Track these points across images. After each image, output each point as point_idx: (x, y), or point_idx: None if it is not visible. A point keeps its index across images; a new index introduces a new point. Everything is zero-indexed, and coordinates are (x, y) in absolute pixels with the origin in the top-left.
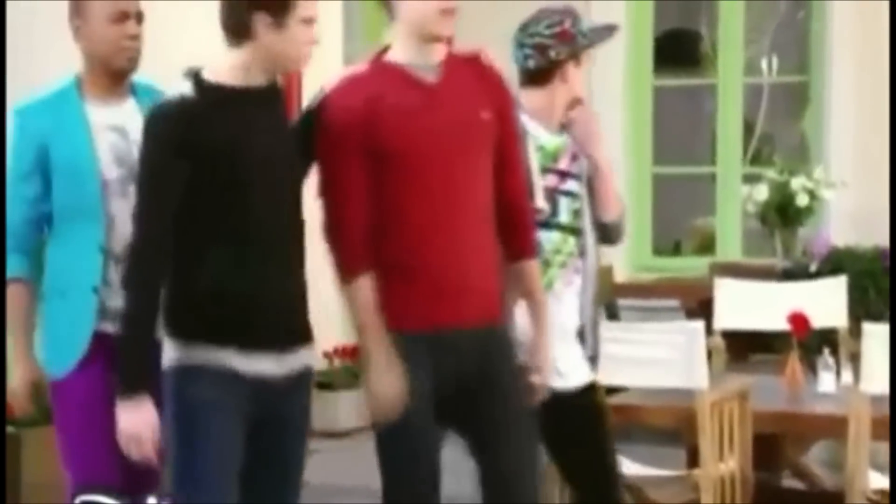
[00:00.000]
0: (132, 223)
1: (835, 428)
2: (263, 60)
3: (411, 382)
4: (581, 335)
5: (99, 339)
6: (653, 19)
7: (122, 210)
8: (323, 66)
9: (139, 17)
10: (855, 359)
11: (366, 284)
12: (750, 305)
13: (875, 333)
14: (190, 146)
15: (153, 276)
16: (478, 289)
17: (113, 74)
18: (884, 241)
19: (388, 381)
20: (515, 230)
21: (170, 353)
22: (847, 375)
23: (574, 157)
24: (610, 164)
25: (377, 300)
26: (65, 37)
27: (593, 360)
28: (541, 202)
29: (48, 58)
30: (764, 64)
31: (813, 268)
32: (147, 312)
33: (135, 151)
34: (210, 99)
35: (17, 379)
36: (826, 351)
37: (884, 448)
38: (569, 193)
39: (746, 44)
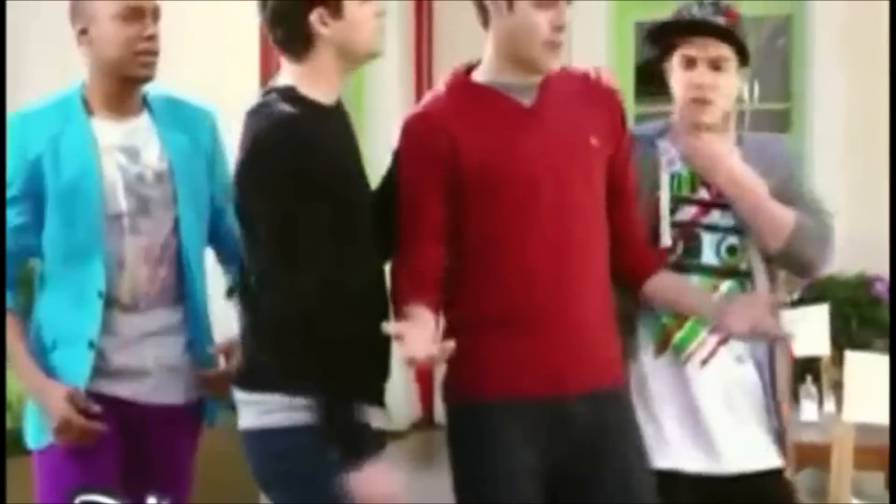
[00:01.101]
0: (277, 273)
1: (817, 456)
2: (334, 61)
3: (508, 461)
4: (764, 406)
5: (97, 400)
6: (634, 47)
7: (133, 249)
8: None
9: (156, 15)
10: (837, 387)
11: (422, 309)
12: None
13: (857, 361)
14: (315, 175)
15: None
16: (594, 344)
17: (126, 84)
18: (868, 268)
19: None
20: (630, 253)
21: (278, 410)
22: (829, 404)
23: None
24: (746, 182)
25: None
26: (58, 45)
27: (778, 438)
28: (666, 239)
29: (39, 68)
30: (745, 91)
31: (795, 295)
32: (348, 371)
33: (148, 176)
34: (317, 118)
35: (55, 402)
36: (808, 379)
37: (867, 477)
38: (715, 228)
39: None
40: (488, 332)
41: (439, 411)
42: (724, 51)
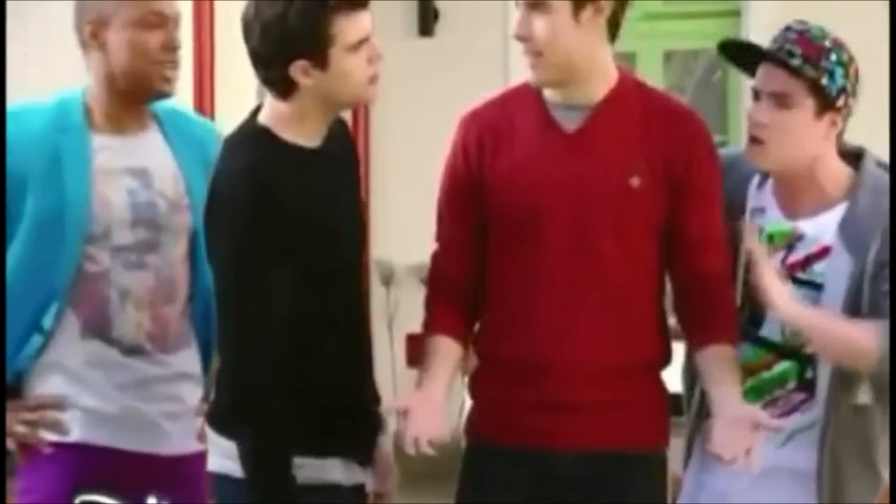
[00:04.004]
0: (232, 333)
1: None
2: (318, 107)
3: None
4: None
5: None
6: (662, 77)
7: (137, 286)
8: None
9: (177, 22)
10: None
11: (441, 344)
12: None
13: None
14: (273, 233)
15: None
16: (601, 401)
17: (140, 99)
18: None
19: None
20: (703, 312)
21: (229, 456)
22: None
23: (811, 259)
24: (798, 319)
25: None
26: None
27: None
28: (736, 299)
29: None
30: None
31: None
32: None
33: (161, 204)
34: (290, 163)
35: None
36: None
37: None
38: None
39: None
40: (488, 373)
41: None
42: (792, 87)
